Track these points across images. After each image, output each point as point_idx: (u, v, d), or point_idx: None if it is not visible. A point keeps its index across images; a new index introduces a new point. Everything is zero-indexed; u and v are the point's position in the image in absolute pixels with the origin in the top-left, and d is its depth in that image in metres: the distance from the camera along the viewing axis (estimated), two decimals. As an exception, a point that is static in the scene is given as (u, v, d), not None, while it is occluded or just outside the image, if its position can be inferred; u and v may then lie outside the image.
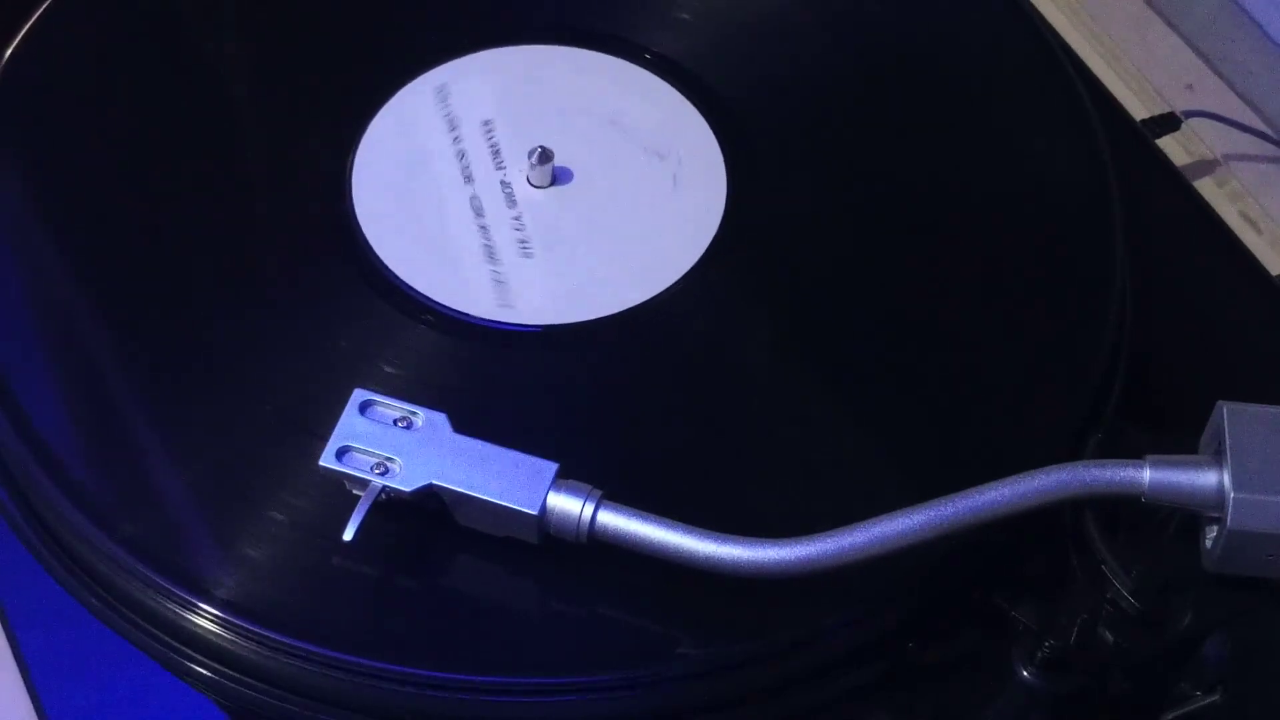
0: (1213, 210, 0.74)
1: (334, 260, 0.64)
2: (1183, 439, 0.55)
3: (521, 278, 0.64)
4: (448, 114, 0.68)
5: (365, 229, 0.64)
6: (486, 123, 0.68)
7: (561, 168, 0.66)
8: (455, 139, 0.67)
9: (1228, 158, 0.77)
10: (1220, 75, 0.81)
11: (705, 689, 0.55)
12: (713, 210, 0.66)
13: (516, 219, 0.65)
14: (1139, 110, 0.78)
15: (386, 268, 0.63)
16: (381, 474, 0.54)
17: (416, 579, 0.56)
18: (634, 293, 0.63)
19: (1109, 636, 0.54)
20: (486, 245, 0.65)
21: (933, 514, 0.53)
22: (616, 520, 0.53)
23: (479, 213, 0.65)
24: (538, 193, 0.66)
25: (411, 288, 0.63)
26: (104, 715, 0.58)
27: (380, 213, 0.65)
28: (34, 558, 0.59)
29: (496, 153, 0.67)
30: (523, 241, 0.65)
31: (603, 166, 0.67)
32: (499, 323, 0.62)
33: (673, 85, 0.69)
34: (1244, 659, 0.53)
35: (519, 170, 0.66)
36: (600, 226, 0.65)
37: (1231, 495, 0.51)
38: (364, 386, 0.56)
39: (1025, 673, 0.54)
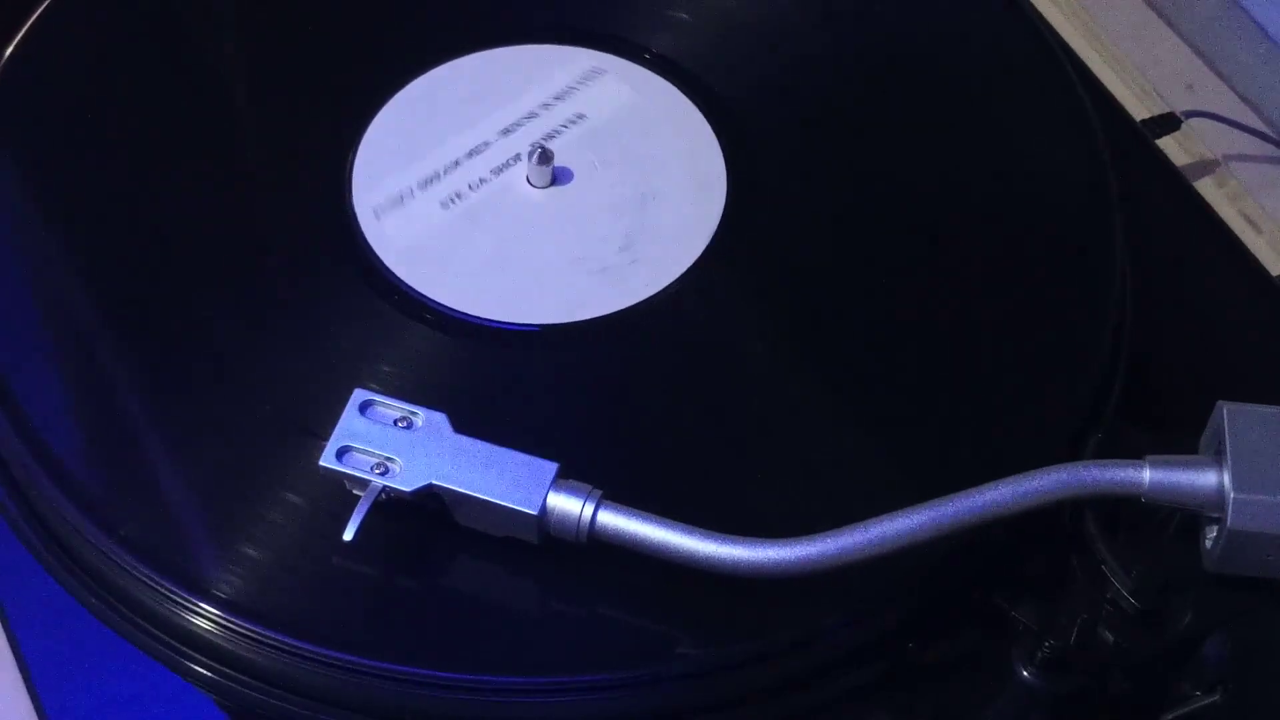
0: (1213, 210, 0.74)
1: (334, 260, 0.64)
2: (1183, 439, 0.55)
3: (413, 215, 0.65)
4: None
5: (365, 229, 0.64)
6: (581, 117, 0.68)
7: (561, 168, 0.66)
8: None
9: (1228, 158, 0.77)
10: (1220, 75, 0.81)
11: (705, 689, 0.55)
12: (712, 210, 0.66)
13: (480, 181, 0.66)
14: (1139, 110, 0.78)
15: (386, 268, 0.63)
16: (382, 474, 0.54)
17: (416, 579, 0.56)
18: (633, 293, 0.63)
19: (1109, 636, 0.54)
20: (433, 174, 0.66)
21: (933, 514, 0.52)
22: (616, 520, 0.53)
23: (470, 154, 0.66)
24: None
25: (412, 287, 0.63)
26: (104, 715, 0.58)
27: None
28: (34, 558, 0.59)
29: (550, 136, 0.67)
30: (456, 195, 0.65)
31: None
32: (499, 322, 0.62)
33: (673, 85, 0.69)
34: (1244, 659, 0.53)
35: (520, 170, 0.66)
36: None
37: (1231, 495, 0.51)
38: (364, 386, 0.56)
39: (1025, 673, 0.54)
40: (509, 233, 0.65)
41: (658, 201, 0.66)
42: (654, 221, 0.65)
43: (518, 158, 0.66)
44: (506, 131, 0.68)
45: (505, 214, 0.65)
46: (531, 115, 0.68)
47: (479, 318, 0.62)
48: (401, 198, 0.65)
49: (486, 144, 0.67)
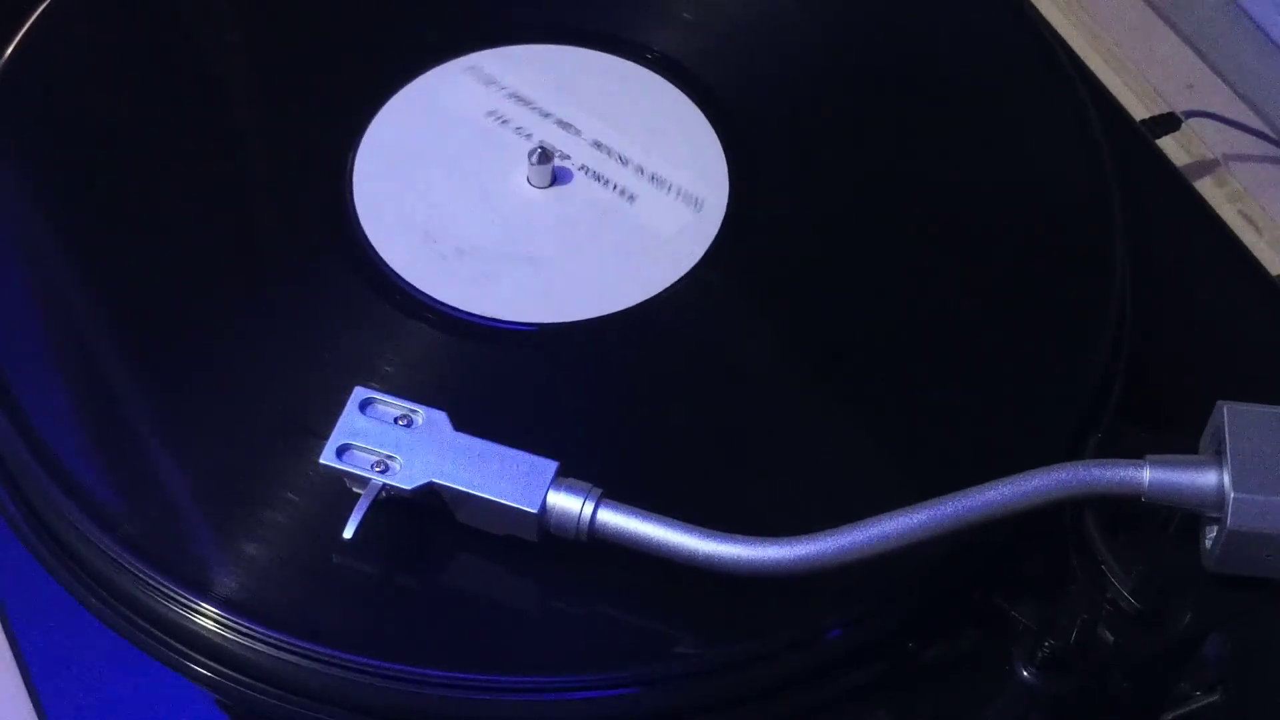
0: (1213, 210, 0.74)
1: (334, 259, 0.64)
2: (1183, 439, 0.55)
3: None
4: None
5: (366, 228, 0.64)
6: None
7: (561, 168, 0.66)
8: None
9: (1228, 158, 0.77)
10: (1220, 75, 0.81)
11: (705, 689, 0.55)
12: (713, 210, 0.66)
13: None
14: (1139, 110, 0.78)
15: (387, 267, 0.63)
16: (382, 472, 0.54)
17: (417, 578, 0.56)
18: (634, 293, 0.63)
19: (1109, 636, 0.54)
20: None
21: (933, 514, 0.52)
22: (616, 519, 0.53)
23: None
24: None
25: (412, 287, 0.63)
26: (104, 715, 0.58)
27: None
28: (34, 558, 0.59)
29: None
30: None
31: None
32: (499, 322, 0.62)
33: (673, 85, 0.69)
34: (1244, 659, 0.53)
35: (520, 170, 0.66)
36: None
37: (1231, 495, 0.51)
38: (364, 385, 0.56)
39: (1025, 673, 0.54)
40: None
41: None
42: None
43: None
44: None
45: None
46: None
47: (479, 317, 0.62)
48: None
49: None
